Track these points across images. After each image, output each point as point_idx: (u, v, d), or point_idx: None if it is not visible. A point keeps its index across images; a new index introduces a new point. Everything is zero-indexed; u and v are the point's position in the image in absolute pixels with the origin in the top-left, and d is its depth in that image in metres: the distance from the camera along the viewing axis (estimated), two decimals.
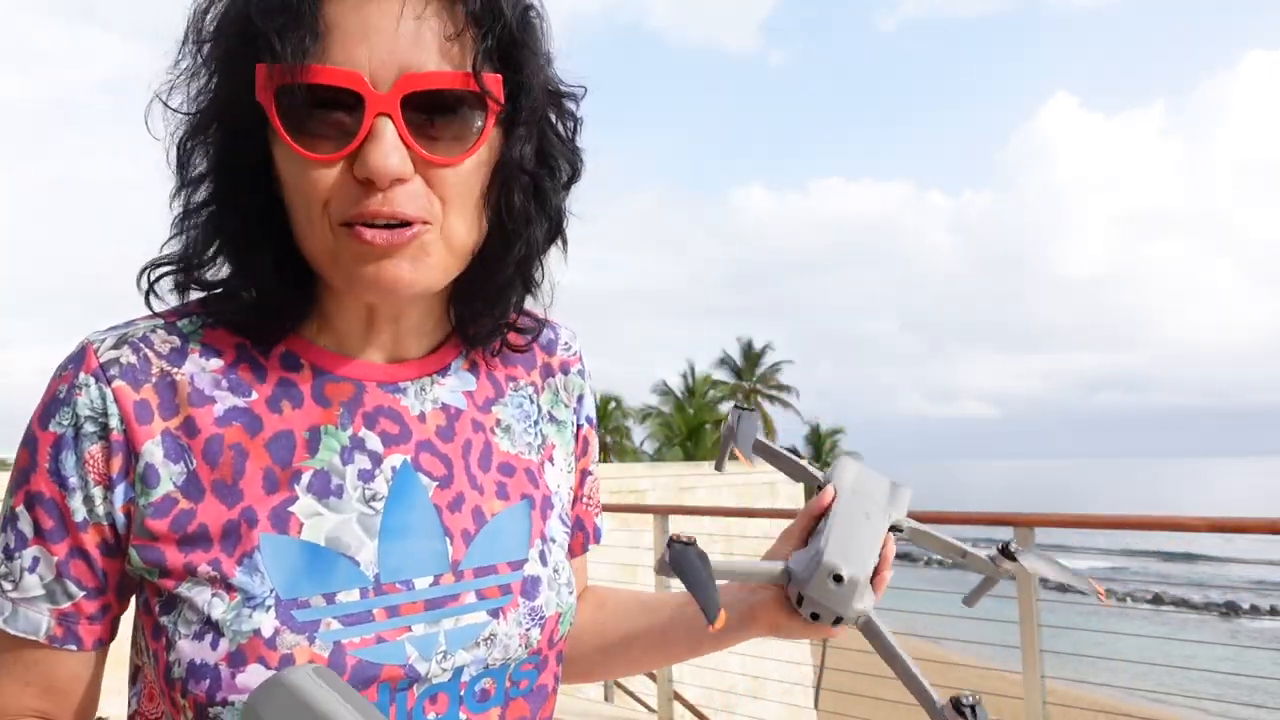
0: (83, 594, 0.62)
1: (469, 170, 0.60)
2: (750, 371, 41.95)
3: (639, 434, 39.92)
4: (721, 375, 42.17)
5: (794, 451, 0.82)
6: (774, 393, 41.60)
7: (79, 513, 0.61)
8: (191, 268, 0.64)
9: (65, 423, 0.61)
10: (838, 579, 0.68)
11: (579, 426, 0.83)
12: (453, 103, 0.58)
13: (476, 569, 0.67)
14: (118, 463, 0.61)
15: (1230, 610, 32.16)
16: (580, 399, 0.83)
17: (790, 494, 13.06)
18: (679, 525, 5.25)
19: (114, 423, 0.60)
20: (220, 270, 0.65)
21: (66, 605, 0.62)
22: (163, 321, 0.65)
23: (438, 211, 0.59)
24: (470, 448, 0.71)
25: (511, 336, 0.75)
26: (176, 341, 0.64)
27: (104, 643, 0.65)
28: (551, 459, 0.78)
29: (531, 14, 0.63)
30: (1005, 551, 0.74)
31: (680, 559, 0.68)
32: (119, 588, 0.64)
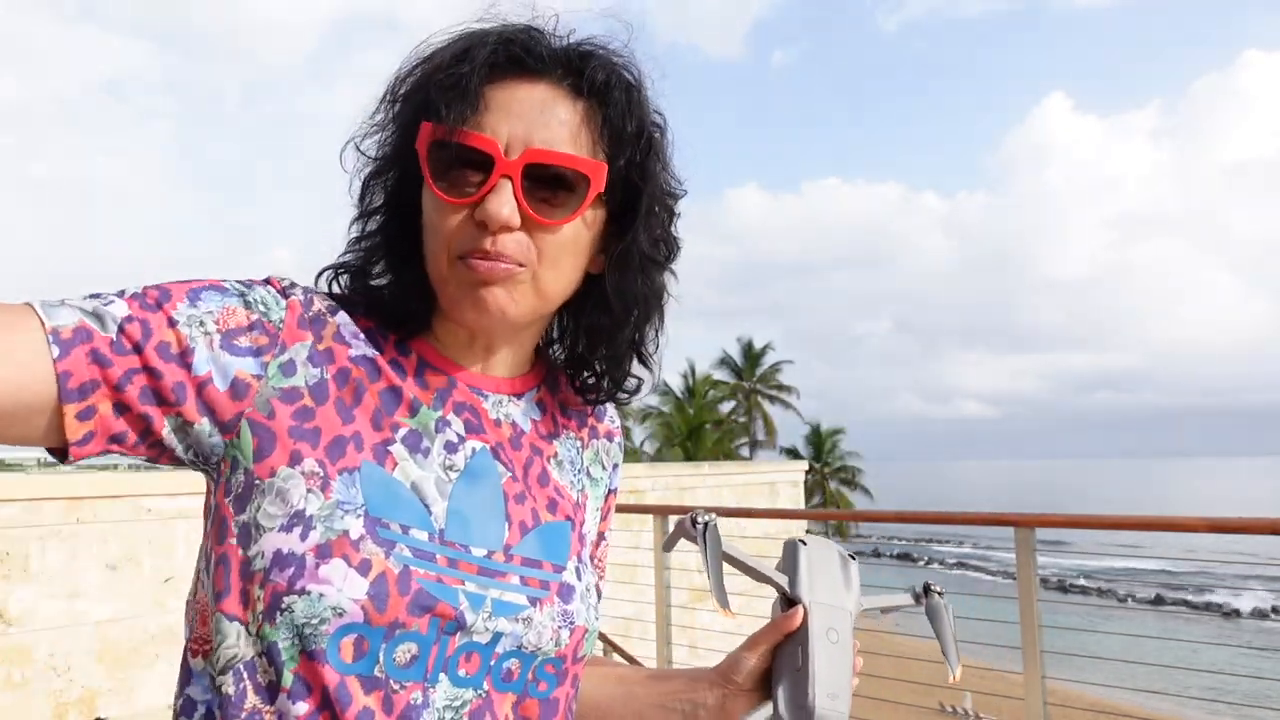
0: (112, 337, 0.61)
1: (567, 235, 0.72)
2: (751, 371, 41.91)
3: (639, 434, 39.92)
4: (722, 375, 42.14)
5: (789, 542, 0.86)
6: (774, 393, 41.56)
7: (180, 315, 0.65)
8: (356, 276, 0.77)
9: (233, 287, 0.70)
10: None
11: (609, 491, 0.92)
12: (562, 178, 0.71)
13: (524, 559, 0.75)
14: (263, 341, 0.69)
15: (1230, 610, 32.15)
16: (615, 467, 0.93)
17: (791, 495, 13.05)
18: None
19: (275, 317, 0.70)
20: (379, 279, 0.78)
21: (94, 328, 0.61)
22: (322, 293, 0.77)
23: (533, 259, 0.71)
24: (531, 464, 0.80)
25: (575, 385, 0.86)
26: (332, 303, 0.75)
27: (69, 386, 0.60)
28: (585, 505, 0.86)
29: (657, 125, 0.77)
30: (927, 590, 0.86)
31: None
32: (126, 375, 0.62)
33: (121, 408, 0.63)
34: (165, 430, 0.65)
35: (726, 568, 0.82)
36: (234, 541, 0.66)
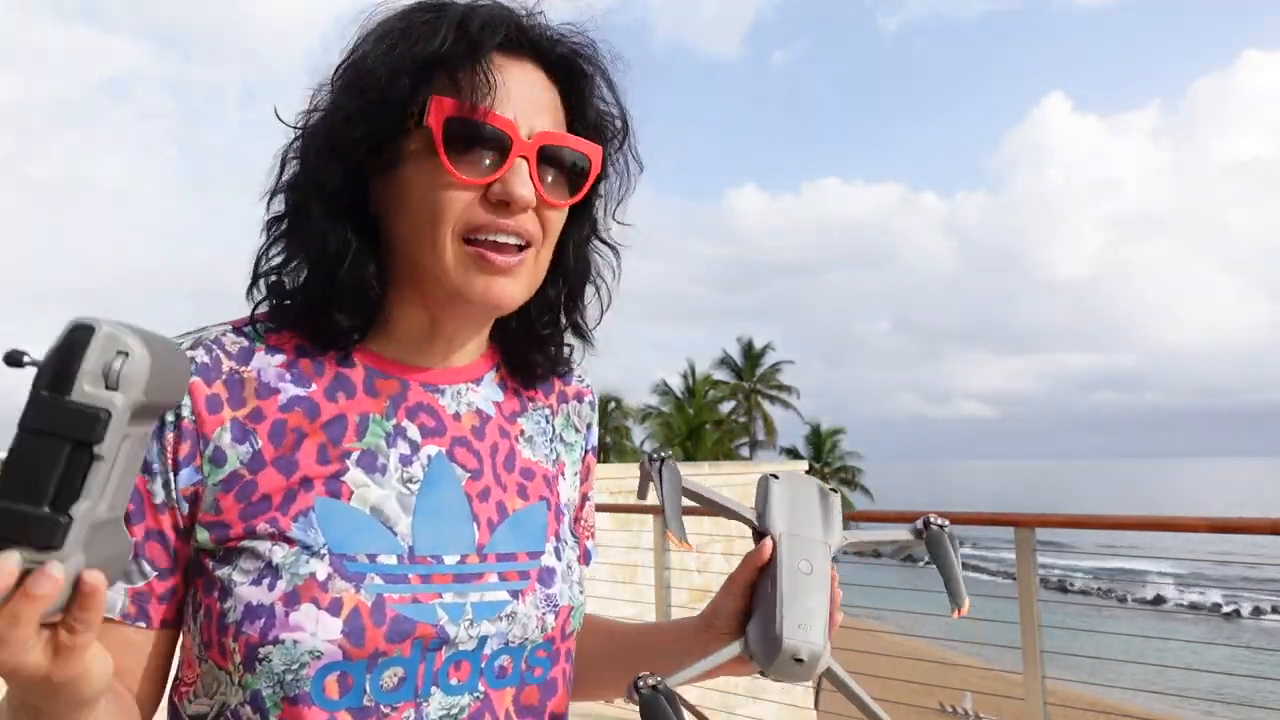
0: (155, 574, 0.68)
1: (562, 214, 0.75)
2: (751, 371, 41.91)
3: (639, 434, 39.92)
4: (722, 375, 42.13)
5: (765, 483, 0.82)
6: (774, 393, 41.55)
7: (159, 495, 0.68)
8: (276, 287, 0.73)
9: None
10: (798, 660, 0.70)
11: (585, 452, 0.91)
12: (568, 160, 0.73)
13: (499, 554, 0.74)
14: (186, 448, 0.68)
15: (1230, 610, 32.14)
16: (589, 427, 0.92)
17: None
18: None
19: (185, 413, 0.68)
20: (299, 279, 0.73)
21: (140, 584, 0.68)
22: (231, 327, 0.73)
23: (539, 238, 0.73)
24: (497, 450, 0.79)
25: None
26: (245, 343, 0.72)
27: (169, 624, 0.70)
28: (562, 474, 0.86)
29: (626, 122, 0.79)
30: (926, 523, 0.83)
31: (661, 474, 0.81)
32: (187, 570, 0.70)
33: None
34: (187, 571, 0.71)
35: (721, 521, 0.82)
36: (215, 595, 0.67)
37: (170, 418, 0.68)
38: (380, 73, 0.69)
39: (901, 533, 0.84)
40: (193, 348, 0.70)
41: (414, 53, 0.69)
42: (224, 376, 0.70)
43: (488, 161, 0.69)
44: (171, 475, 0.68)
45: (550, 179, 0.72)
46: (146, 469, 0.67)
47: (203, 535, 0.68)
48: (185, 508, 0.68)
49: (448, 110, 0.68)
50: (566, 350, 0.86)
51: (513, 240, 0.70)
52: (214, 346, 0.71)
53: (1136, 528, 3.62)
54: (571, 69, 0.75)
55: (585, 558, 0.92)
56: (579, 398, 0.91)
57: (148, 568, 0.68)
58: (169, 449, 0.68)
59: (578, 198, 0.75)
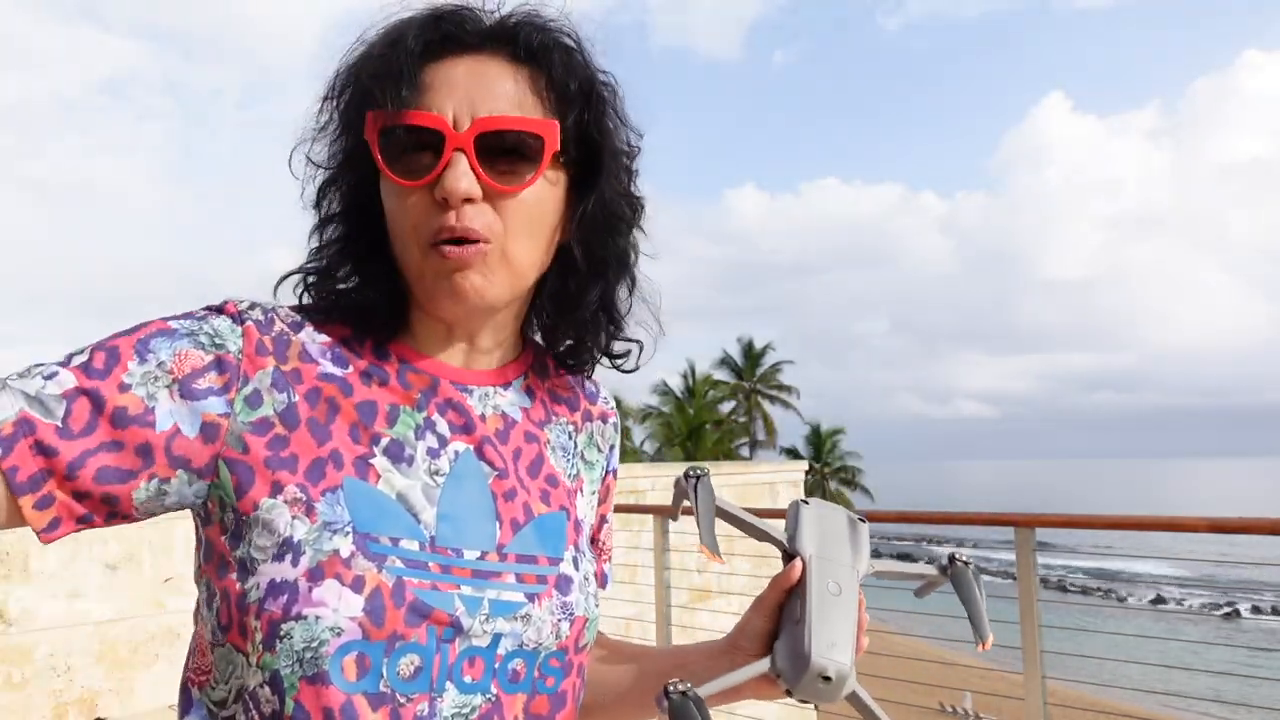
0: (58, 423, 0.61)
1: (530, 200, 0.71)
2: (751, 371, 41.88)
3: (639, 434, 39.89)
4: (722, 375, 42.10)
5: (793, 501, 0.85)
6: (774, 393, 41.53)
7: (132, 377, 0.64)
8: (323, 281, 0.76)
9: (182, 327, 0.68)
10: (826, 679, 0.71)
11: (606, 473, 0.91)
12: (516, 142, 0.70)
13: (519, 555, 0.74)
14: (223, 379, 0.67)
15: (1230, 610, 32.14)
16: (611, 448, 0.92)
17: (791, 496, 13.04)
18: (679, 525, 5.23)
19: (232, 348, 0.68)
20: (345, 283, 0.76)
21: (37, 417, 0.60)
22: (287, 307, 0.76)
23: (499, 231, 0.70)
24: (520, 455, 0.79)
25: (562, 371, 0.86)
26: (297, 318, 0.74)
27: (18, 480, 0.60)
28: (580, 491, 0.86)
29: (603, 85, 0.75)
30: (952, 559, 0.83)
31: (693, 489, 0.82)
32: (78, 460, 0.62)
33: (80, 495, 0.62)
34: (139, 498, 0.65)
35: (736, 534, 0.83)
36: (233, 576, 0.66)
37: (205, 341, 0.67)
38: (337, 102, 0.73)
39: (927, 568, 0.85)
40: (251, 307, 0.72)
41: (358, 73, 0.72)
42: (274, 334, 0.71)
43: (429, 163, 0.68)
44: (164, 378, 0.65)
45: (504, 167, 0.69)
46: (140, 355, 0.64)
47: (224, 473, 0.66)
48: (192, 430, 0.65)
49: (378, 121, 0.69)
50: (623, 346, 0.85)
51: (469, 245, 0.69)
52: (271, 311, 0.73)
53: (1136, 528, 3.62)
54: (526, 50, 0.72)
55: (603, 580, 0.92)
56: (603, 418, 0.91)
57: (59, 412, 0.61)
58: (180, 361, 0.66)
59: (531, 181, 0.70)
